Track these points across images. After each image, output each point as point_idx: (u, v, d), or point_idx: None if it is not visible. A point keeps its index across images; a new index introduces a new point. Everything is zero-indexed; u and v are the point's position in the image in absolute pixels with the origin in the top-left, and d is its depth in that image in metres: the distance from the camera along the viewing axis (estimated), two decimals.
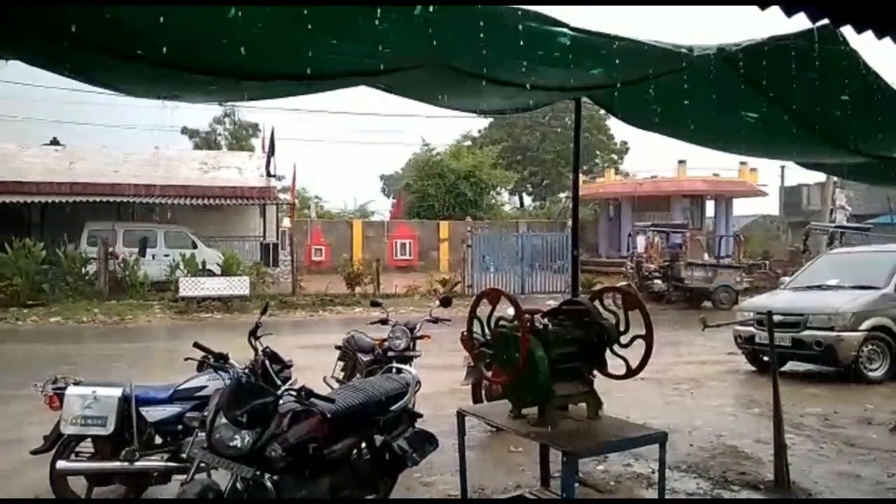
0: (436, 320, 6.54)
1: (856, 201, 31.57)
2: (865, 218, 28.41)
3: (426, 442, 4.37)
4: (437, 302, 6.80)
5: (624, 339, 4.17)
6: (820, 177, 33.54)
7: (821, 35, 3.23)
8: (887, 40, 2.52)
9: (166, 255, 19.37)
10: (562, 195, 40.66)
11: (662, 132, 5.23)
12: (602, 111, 37.02)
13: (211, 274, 18.61)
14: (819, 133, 4.61)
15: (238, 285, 17.76)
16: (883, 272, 9.27)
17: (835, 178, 26.49)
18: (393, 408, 4.28)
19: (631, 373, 4.22)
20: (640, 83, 4.14)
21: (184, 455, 4.46)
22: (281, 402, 3.65)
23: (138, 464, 4.46)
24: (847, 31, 2.88)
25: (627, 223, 27.45)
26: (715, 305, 18.08)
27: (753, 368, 9.89)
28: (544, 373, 3.92)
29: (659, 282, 18.26)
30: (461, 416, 4.46)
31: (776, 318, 9.00)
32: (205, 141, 39.91)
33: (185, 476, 4.52)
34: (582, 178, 33.78)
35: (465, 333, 6.71)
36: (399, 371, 5.30)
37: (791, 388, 8.14)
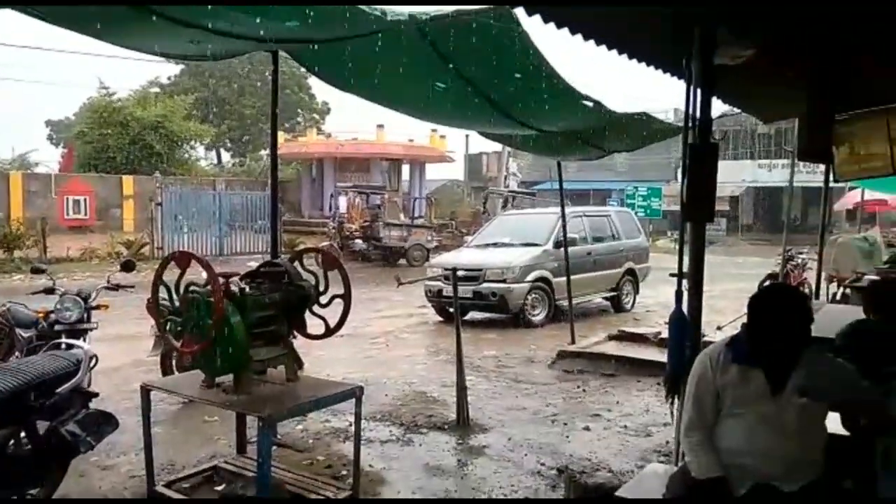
0: (116, 287, 5.87)
1: (525, 169, 36.31)
2: (532, 184, 32.85)
3: (102, 423, 3.90)
4: (118, 267, 6.12)
5: (323, 300, 4.19)
6: (497, 146, 37.75)
7: (498, 14, 3.53)
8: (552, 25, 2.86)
9: None
10: (263, 153, 39.42)
11: (358, 94, 5.31)
12: (303, 68, 36.64)
13: None
14: (495, 106, 5.10)
15: None
16: (544, 231, 10.80)
17: (509, 148, 30.06)
18: (60, 389, 3.73)
19: (330, 332, 4.27)
20: (334, 42, 4.13)
21: None
22: None
23: None
24: (520, 12, 3.20)
25: (330, 183, 27.79)
26: (409, 263, 19.35)
27: (441, 319, 10.80)
28: (240, 339, 3.76)
29: (359, 241, 18.90)
30: (146, 391, 4.08)
31: (460, 273, 10.00)
32: None
33: None
34: (284, 136, 33.15)
35: (151, 301, 6.17)
36: (69, 347, 4.65)
37: (471, 334, 9.07)
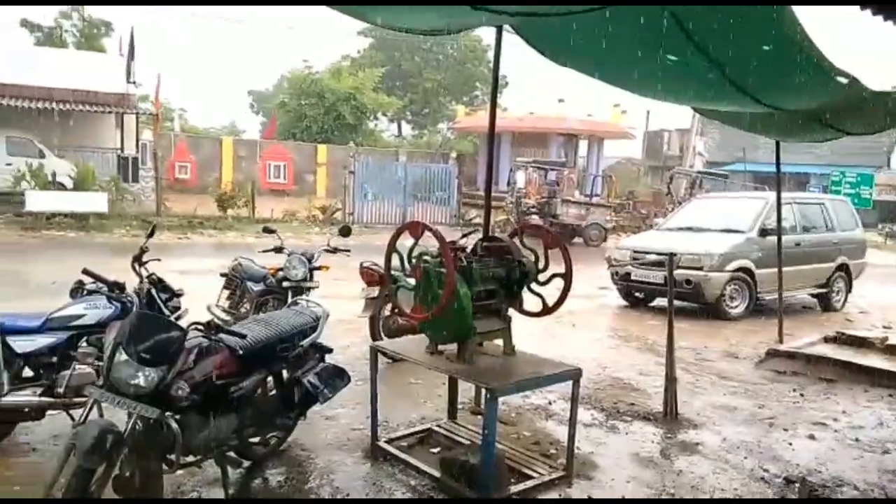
0: (335, 250, 6.29)
1: (712, 149, 34.00)
2: (719, 165, 30.72)
3: (337, 377, 4.19)
4: (337, 231, 6.53)
5: (542, 277, 4.17)
6: (681, 123, 35.72)
7: None
8: None
9: (9, 164, 17.21)
10: (441, 125, 40.46)
11: (577, 68, 5.15)
12: (484, 42, 36.49)
13: (62, 188, 16.82)
14: (731, 80, 4.72)
15: (94, 201, 16.24)
16: (748, 218, 10.01)
17: (696, 126, 28.32)
18: (303, 342, 4.05)
19: (547, 310, 4.26)
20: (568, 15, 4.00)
21: (60, 389, 4.01)
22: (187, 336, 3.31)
23: (7, 399, 3.94)
24: None
25: (506, 158, 27.88)
26: (586, 242, 18.95)
27: (626, 303, 10.48)
28: (467, 310, 3.84)
29: (536, 217, 18.77)
30: (374, 352, 4.33)
31: (650, 257, 9.61)
32: (48, 37, 35.37)
33: (59, 412, 4.10)
34: (463, 109, 33.72)
35: (367, 266, 6.52)
36: (295, 303, 5.04)
37: (661, 322, 8.65)
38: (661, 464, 4.33)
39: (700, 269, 9.37)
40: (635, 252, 10.08)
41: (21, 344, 4.01)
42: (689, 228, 10.50)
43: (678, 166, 26.35)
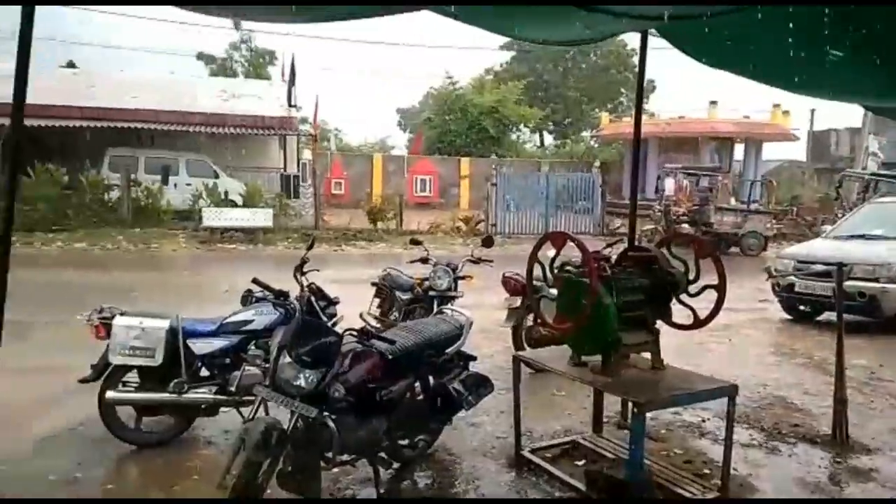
0: (478, 260, 6.41)
1: (887, 149, 30.65)
2: (893, 165, 27.61)
3: (481, 385, 4.26)
4: (479, 241, 6.64)
5: (693, 289, 3.99)
6: (851, 122, 32.59)
7: None
8: None
9: (188, 185, 19.20)
10: (585, 134, 39.82)
11: (731, 70, 4.90)
12: (629, 46, 35.45)
13: (233, 204, 18.46)
14: None
15: (261, 217, 17.64)
16: None
17: (870, 124, 25.72)
18: (448, 350, 4.17)
19: (699, 323, 4.07)
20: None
21: (231, 388, 4.42)
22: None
23: (187, 396, 4.41)
24: None
25: (653, 165, 26.90)
26: (743, 251, 17.78)
27: (788, 317, 9.73)
28: (612, 321, 3.77)
29: (687, 226, 17.89)
30: (517, 361, 4.36)
31: (817, 267, 8.84)
32: (220, 68, 39.10)
33: (230, 409, 4.51)
34: (608, 116, 32.99)
35: (510, 276, 6.58)
36: (441, 312, 5.18)
37: (830, 338, 7.90)
38: (829, 491, 3.98)
39: (876, 280, 8.51)
40: (799, 262, 9.34)
41: (199, 346, 4.48)
42: (862, 236, 9.56)
43: (848, 168, 23.98)
